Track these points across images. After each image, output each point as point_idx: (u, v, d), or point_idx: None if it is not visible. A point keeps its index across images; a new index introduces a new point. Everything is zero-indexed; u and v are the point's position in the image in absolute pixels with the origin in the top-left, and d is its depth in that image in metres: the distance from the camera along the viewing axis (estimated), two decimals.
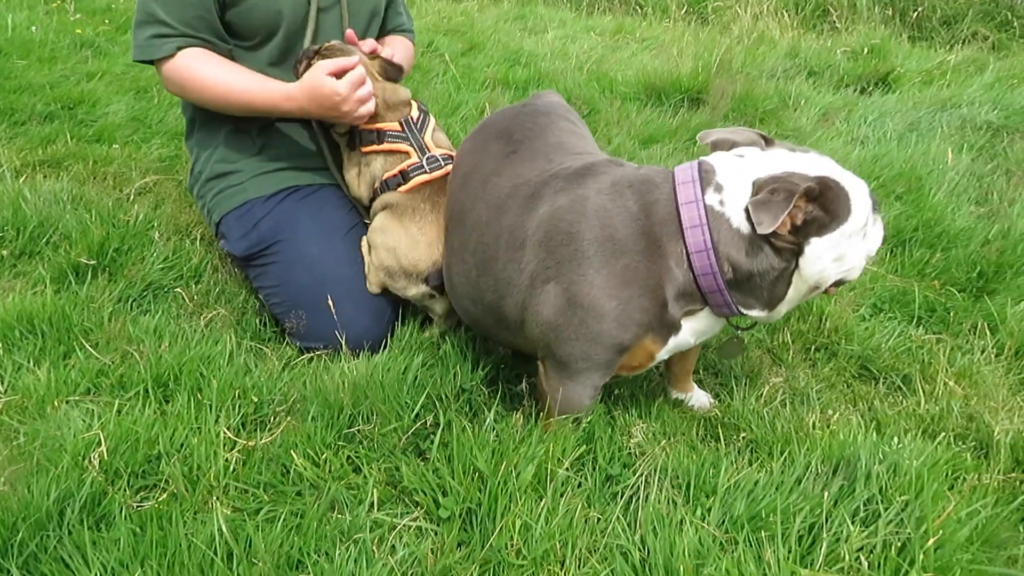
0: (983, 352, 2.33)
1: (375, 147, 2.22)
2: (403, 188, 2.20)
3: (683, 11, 6.79)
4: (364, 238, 2.30)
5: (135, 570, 1.44)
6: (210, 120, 2.36)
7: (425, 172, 2.19)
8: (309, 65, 2.16)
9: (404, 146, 2.22)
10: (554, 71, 4.89)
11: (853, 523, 1.56)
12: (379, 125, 2.22)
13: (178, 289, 2.49)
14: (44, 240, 2.68)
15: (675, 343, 1.75)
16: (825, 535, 1.53)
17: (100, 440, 1.73)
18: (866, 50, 5.29)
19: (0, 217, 2.76)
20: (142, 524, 1.55)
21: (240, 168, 2.35)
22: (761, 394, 2.13)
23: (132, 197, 3.12)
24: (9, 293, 2.42)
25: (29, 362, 2.09)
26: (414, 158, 2.21)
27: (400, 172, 2.20)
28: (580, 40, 5.88)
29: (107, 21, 5.78)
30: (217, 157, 2.37)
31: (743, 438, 1.94)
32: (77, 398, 1.95)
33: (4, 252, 2.62)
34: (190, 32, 2.16)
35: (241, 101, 2.18)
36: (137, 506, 1.64)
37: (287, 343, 2.30)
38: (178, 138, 3.77)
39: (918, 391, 2.16)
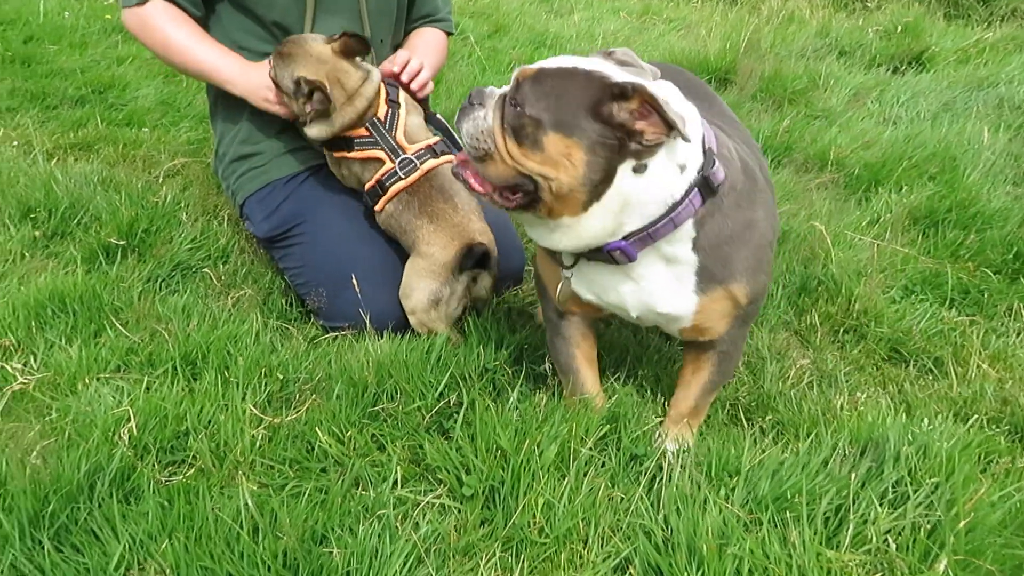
0: (1019, 335, 2.28)
1: (346, 153, 2.19)
2: (383, 201, 2.17)
3: None
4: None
5: (163, 542, 1.46)
6: (232, 99, 2.37)
7: (401, 179, 2.15)
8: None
9: (376, 152, 2.16)
10: (580, 52, 4.82)
11: (881, 505, 1.54)
12: (347, 132, 2.17)
13: (206, 269, 2.51)
14: (75, 221, 2.71)
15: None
16: (852, 517, 1.51)
17: (130, 416, 1.76)
18: (899, 28, 5.18)
19: (32, 198, 2.80)
20: (170, 498, 1.58)
21: (262, 149, 2.36)
22: (788, 376, 2.10)
23: (161, 179, 3.15)
24: (41, 273, 2.46)
25: (61, 340, 2.12)
26: (388, 164, 2.16)
27: (377, 183, 2.17)
28: (606, 21, 5.82)
29: None
30: (240, 138, 2.39)
31: (769, 420, 1.92)
32: (107, 375, 1.98)
33: (37, 233, 2.66)
34: None
35: (194, 69, 2.27)
36: (165, 481, 1.66)
37: (312, 322, 2.32)
38: (206, 121, 3.79)
39: (950, 374, 2.12)
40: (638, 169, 1.42)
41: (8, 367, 1.95)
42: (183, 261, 2.53)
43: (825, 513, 1.53)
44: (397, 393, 1.88)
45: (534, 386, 2.02)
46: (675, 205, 1.46)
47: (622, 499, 1.65)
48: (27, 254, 2.59)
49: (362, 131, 2.17)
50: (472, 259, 2.12)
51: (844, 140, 3.41)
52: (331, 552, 1.46)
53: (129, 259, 2.51)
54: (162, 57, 2.30)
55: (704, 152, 1.47)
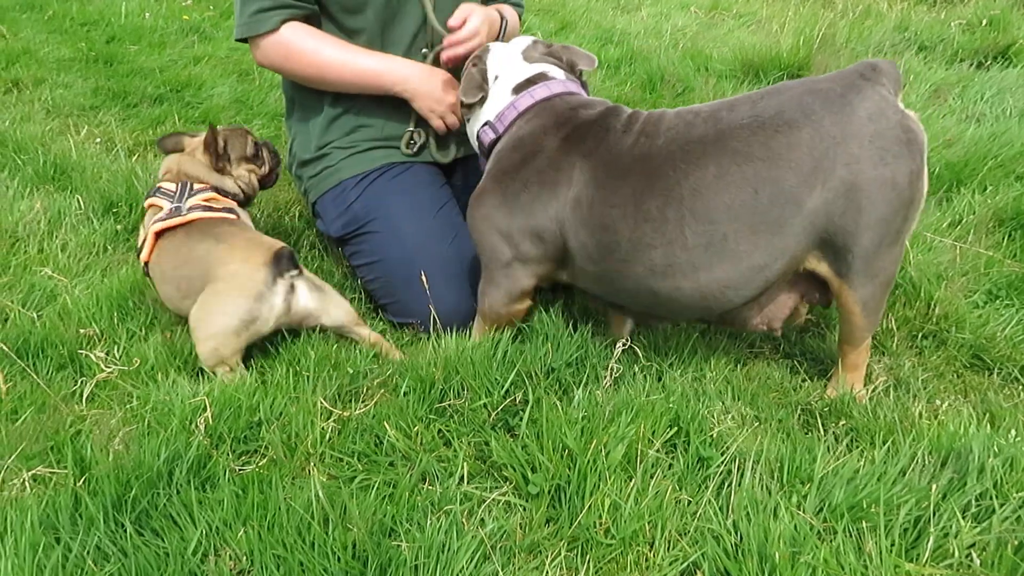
0: None
1: None
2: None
3: None
4: None
5: (238, 530, 1.50)
6: (308, 100, 2.41)
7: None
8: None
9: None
10: (647, 49, 4.80)
11: (964, 518, 1.48)
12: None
13: None
14: None
15: None
16: (932, 529, 1.46)
17: (206, 406, 1.81)
18: (984, 22, 4.96)
19: (114, 193, 2.92)
20: (244, 487, 1.62)
21: (334, 149, 2.40)
22: (864, 382, 2.03)
23: None
24: (123, 265, 2.56)
25: (141, 331, 2.20)
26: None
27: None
28: (674, 17, 5.74)
29: (212, 7, 6.01)
30: (313, 138, 2.43)
31: (843, 426, 1.87)
32: (184, 366, 2.05)
33: (118, 227, 2.77)
34: (290, 2, 2.21)
35: (344, 76, 2.27)
36: (239, 469, 1.71)
37: (381, 318, 2.35)
38: (278, 119, 3.89)
39: None
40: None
41: (93, 356, 2.02)
42: None
43: (903, 524, 1.48)
44: (463, 390, 1.89)
45: (599, 385, 2.01)
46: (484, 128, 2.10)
47: (689, 502, 1.63)
48: (109, 247, 2.70)
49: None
50: (285, 262, 2.00)
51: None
52: (399, 545, 1.48)
53: None
54: (313, 78, 2.30)
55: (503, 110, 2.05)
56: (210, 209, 2.21)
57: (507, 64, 2.10)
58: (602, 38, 5.20)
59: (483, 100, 2.10)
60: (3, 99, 4.21)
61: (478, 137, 2.12)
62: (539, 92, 2.03)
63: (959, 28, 4.95)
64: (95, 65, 4.76)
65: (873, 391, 2.00)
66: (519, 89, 2.05)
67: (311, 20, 2.30)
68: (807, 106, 1.74)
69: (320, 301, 2.10)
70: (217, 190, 2.31)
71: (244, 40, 2.29)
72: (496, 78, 2.10)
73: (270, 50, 2.26)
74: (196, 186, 2.28)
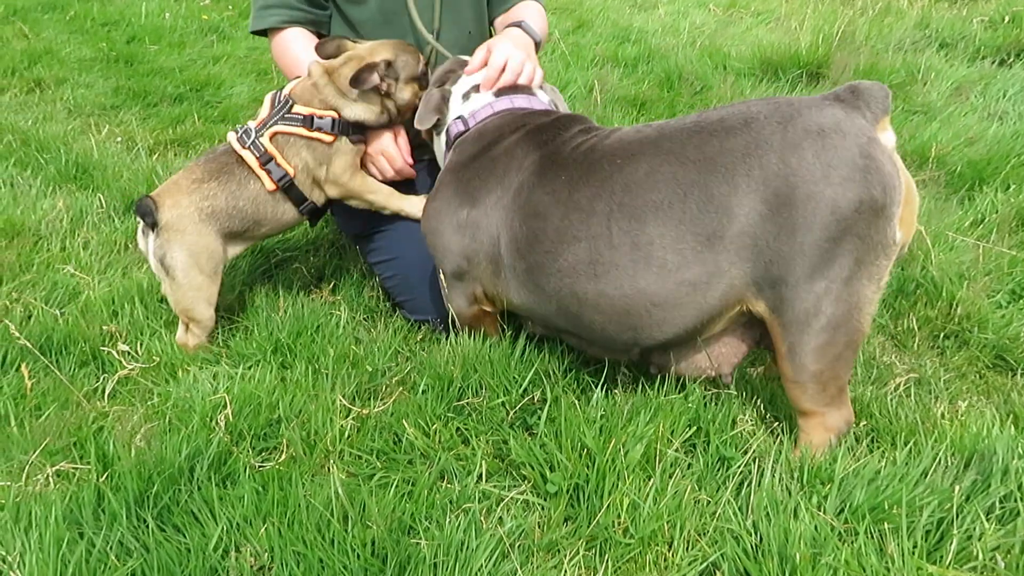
0: None
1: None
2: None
3: None
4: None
5: (258, 526, 1.51)
6: None
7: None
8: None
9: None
10: (665, 47, 4.77)
11: (988, 520, 1.47)
12: None
13: (296, 264, 2.58)
14: None
15: None
16: (955, 531, 1.44)
17: (226, 403, 1.82)
18: (1006, 19, 4.89)
19: (135, 192, 2.94)
20: (264, 483, 1.63)
21: None
22: (884, 381, 2.02)
23: None
24: (143, 263, 2.58)
25: (162, 328, 2.22)
26: None
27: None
28: (692, 15, 5.71)
29: (231, 7, 6.05)
30: None
31: (864, 426, 1.85)
32: (204, 363, 2.07)
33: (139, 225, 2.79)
34: (296, 4, 2.29)
35: None
36: (259, 466, 1.72)
37: (399, 316, 2.35)
38: None
39: None
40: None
41: (115, 353, 2.04)
42: (275, 254, 2.61)
43: (926, 526, 1.47)
44: (481, 388, 1.90)
45: (617, 384, 2.00)
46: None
47: (708, 502, 1.62)
48: (130, 245, 2.72)
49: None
50: (136, 208, 2.07)
51: (945, 136, 3.25)
52: (419, 543, 1.49)
53: None
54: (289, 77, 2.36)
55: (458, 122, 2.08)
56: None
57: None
58: (619, 36, 5.18)
59: (438, 125, 2.13)
60: (26, 99, 4.27)
61: (446, 130, 2.12)
62: (519, 102, 2.05)
63: (981, 25, 4.89)
64: (116, 65, 4.80)
65: (894, 391, 1.98)
66: (500, 94, 2.07)
67: (320, 26, 2.37)
68: (752, 114, 1.62)
69: (156, 268, 2.10)
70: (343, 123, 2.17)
71: (255, 32, 2.40)
72: (477, 86, 2.08)
73: (272, 46, 2.40)
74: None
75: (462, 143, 2.02)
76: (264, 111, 2.16)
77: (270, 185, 2.11)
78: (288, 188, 2.13)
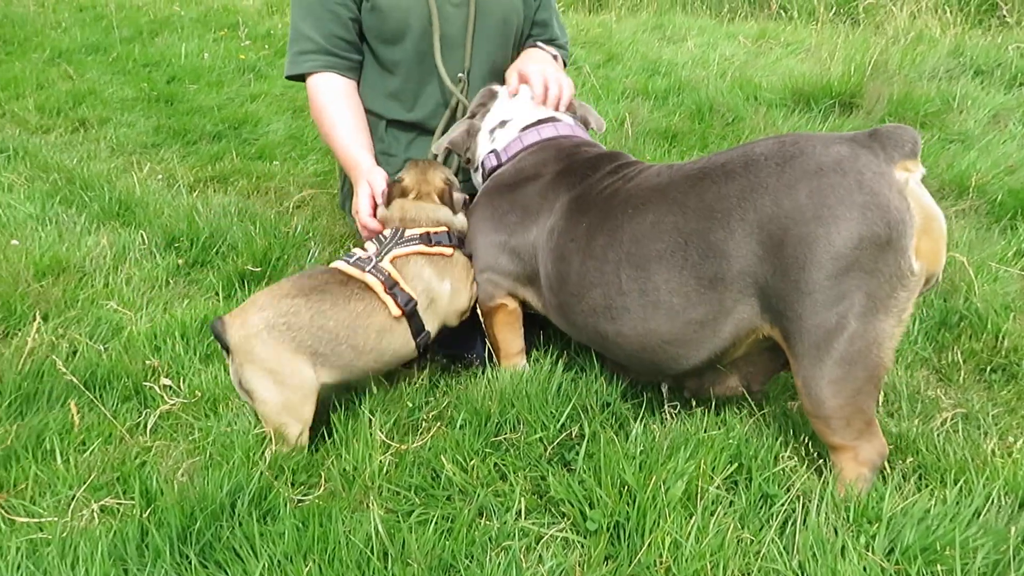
0: None
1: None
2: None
3: (831, 13, 6.48)
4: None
5: (299, 563, 1.51)
6: None
7: None
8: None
9: None
10: (695, 79, 4.80)
11: None
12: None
13: None
14: (214, 250, 2.89)
15: None
16: (1013, 574, 1.40)
17: (267, 437, 1.83)
18: None
19: (176, 228, 3.00)
20: (304, 519, 1.63)
21: None
22: (929, 416, 1.98)
23: (291, 210, 3.31)
24: (184, 299, 2.62)
25: (202, 363, 2.25)
26: None
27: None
28: (721, 47, 5.74)
29: (267, 46, 6.20)
30: None
31: (910, 463, 1.81)
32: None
33: (180, 261, 2.85)
34: (330, 49, 2.36)
35: (328, 138, 2.41)
36: (299, 500, 1.72)
37: (436, 351, 2.36)
38: (331, 154, 3.97)
39: None
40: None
41: (156, 388, 2.07)
42: None
43: (981, 569, 1.42)
44: (519, 423, 1.89)
45: (655, 419, 1.99)
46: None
47: (752, 541, 1.59)
48: (171, 281, 2.77)
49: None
50: (211, 328, 1.90)
51: (985, 165, 3.22)
52: None
53: (264, 286, 2.63)
54: (318, 128, 2.48)
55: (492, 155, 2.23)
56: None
57: (517, 109, 2.24)
58: (649, 69, 5.22)
59: (471, 159, 2.30)
60: (71, 138, 4.39)
61: (480, 164, 2.25)
62: (546, 131, 2.17)
63: (1017, 51, 4.85)
64: (156, 104, 4.94)
65: (941, 426, 1.93)
66: (527, 128, 2.19)
67: (354, 71, 2.44)
68: (753, 157, 1.66)
69: (240, 392, 1.91)
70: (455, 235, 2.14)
71: (290, 78, 2.47)
72: (503, 123, 2.23)
73: (307, 90, 2.44)
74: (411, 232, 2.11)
75: (499, 175, 2.15)
76: (370, 248, 2.10)
77: (396, 311, 1.95)
78: (411, 316, 1.99)
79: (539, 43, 2.54)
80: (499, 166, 2.18)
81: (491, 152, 2.21)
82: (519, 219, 2.02)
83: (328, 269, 2.02)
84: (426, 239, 2.06)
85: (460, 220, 2.15)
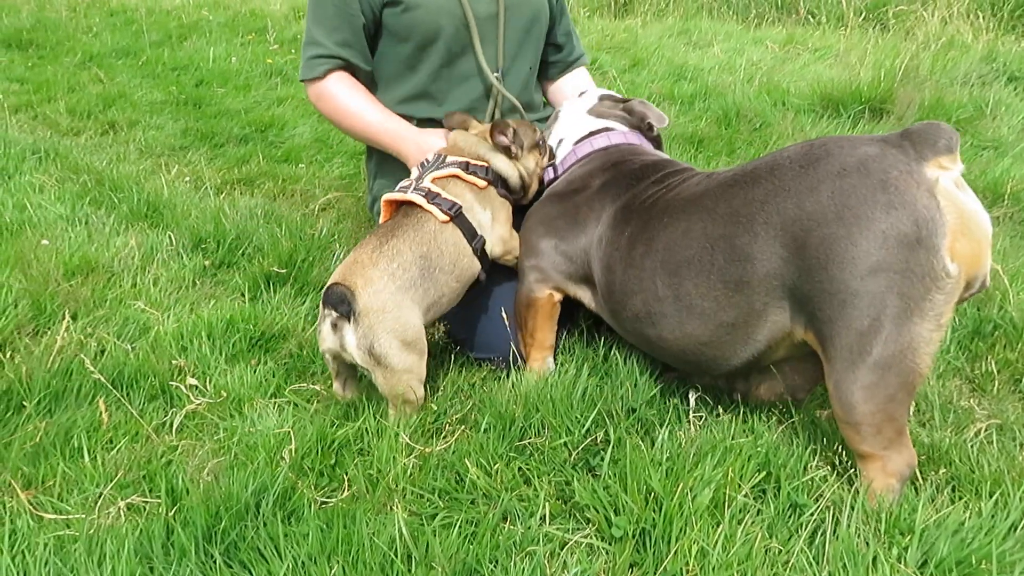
0: None
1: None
2: None
3: (860, 18, 6.42)
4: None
5: (323, 564, 1.50)
6: None
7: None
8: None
9: None
10: (721, 84, 4.76)
11: None
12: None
13: None
14: (240, 252, 2.90)
15: None
16: None
17: (291, 438, 1.83)
18: None
19: (203, 230, 3.02)
20: (328, 521, 1.62)
21: None
22: (962, 427, 1.94)
23: (316, 212, 3.33)
24: (210, 299, 2.64)
25: (228, 363, 2.26)
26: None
27: None
28: (748, 52, 5.70)
29: (294, 51, 6.25)
30: (390, 181, 2.48)
31: (943, 474, 1.77)
32: (270, 399, 2.09)
33: (206, 262, 2.87)
34: (342, 55, 2.38)
35: (355, 126, 2.42)
36: (323, 502, 1.72)
37: (460, 353, 2.35)
38: (356, 157, 4.00)
39: None
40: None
41: (183, 388, 2.08)
42: None
43: None
44: (544, 428, 1.88)
45: (681, 426, 1.96)
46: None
47: (780, 551, 1.56)
48: (197, 282, 2.79)
49: None
50: (327, 298, 1.87)
51: (1019, 172, 3.16)
52: None
53: (289, 287, 2.65)
54: (336, 123, 2.48)
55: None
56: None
57: (573, 124, 2.33)
58: (674, 74, 5.19)
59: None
60: (100, 140, 4.45)
61: (541, 180, 2.36)
62: (599, 142, 2.24)
63: None
64: (185, 107, 4.99)
65: (975, 437, 1.89)
66: (580, 141, 2.27)
67: (359, 74, 2.46)
68: (779, 161, 1.67)
69: (364, 359, 1.88)
70: (494, 173, 2.21)
71: (304, 81, 2.48)
72: (561, 141, 2.34)
73: (313, 92, 2.46)
74: (452, 159, 2.18)
75: (555, 186, 2.27)
76: (414, 173, 2.22)
77: (442, 216, 2.02)
78: (458, 217, 2.06)
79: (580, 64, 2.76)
80: (555, 179, 2.30)
81: (548, 167, 2.34)
82: (568, 225, 2.10)
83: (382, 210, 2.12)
84: (463, 166, 2.14)
85: (501, 162, 2.21)
